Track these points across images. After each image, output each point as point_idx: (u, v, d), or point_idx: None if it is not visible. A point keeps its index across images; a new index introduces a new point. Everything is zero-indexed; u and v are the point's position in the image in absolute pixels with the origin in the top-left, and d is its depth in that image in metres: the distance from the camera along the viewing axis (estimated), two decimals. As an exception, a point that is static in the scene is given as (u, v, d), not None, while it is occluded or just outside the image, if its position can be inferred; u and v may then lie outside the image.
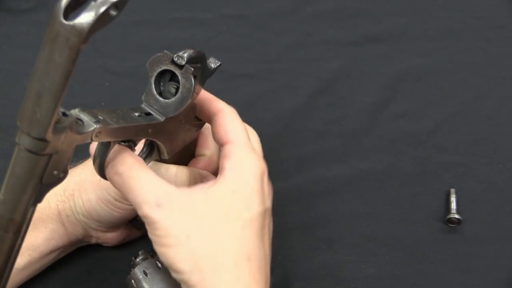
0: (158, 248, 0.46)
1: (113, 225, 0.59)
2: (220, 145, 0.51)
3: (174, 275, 0.46)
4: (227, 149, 0.49)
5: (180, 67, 0.48)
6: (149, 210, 0.45)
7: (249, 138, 0.50)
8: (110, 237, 0.61)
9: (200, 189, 0.47)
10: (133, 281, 0.53)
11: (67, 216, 0.57)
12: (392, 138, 0.73)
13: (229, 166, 0.48)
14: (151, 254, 0.54)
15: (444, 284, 0.62)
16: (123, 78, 0.78)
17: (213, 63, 0.51)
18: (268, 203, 0.49)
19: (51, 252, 0.57)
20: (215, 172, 0.56)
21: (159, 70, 0.49)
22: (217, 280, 0.44)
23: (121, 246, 0.62)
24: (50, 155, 0.38)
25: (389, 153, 0.72)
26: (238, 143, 0.49)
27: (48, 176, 0.39)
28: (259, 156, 0.50)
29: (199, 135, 0.56)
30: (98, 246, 0.62)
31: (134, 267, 0.54)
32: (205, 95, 0.52)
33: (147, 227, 0.46)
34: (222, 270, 0.44)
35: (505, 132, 0.74)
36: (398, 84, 0.79)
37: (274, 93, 0.77)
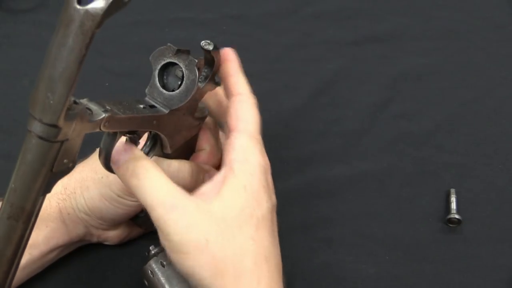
0: (174, 255, 0.44)
1: (115, 223, 0.59)
2: (228, 130, 0.50)
3: (193, 282, 0.44)
4: (234, 137, 0.48)
5: (186, 53, 0.48)
6: (164, 212, 0.43)
7: (259, 131, 0.49)
8: (112, 235, 0.61)
9: (211, 188, 0.46)
10: (149, 271, 0.52)
11: (68, 214, 0.57)
12: (392, 138, 0.73)
13: (236, 157, 0.47)
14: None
15: (444, 284, 0.62)
16: (123, 78, 0.78)
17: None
18: (274, 198, 0.48)
19: (51, 250, 0.57)
20: (216, 165, 0.56)
21: (162, 62, 0.49)
22: (240, 283, 0.43)
23: (122, 245, 0.62)
24: (62, 143, 0.38)
25: (389, 153, 0.72)
26: (246, 134, 0.48)
27: (59, 164, 0.39)
28: (263, 151, 0.49)
29: (199, 131, 0.56)
30: (98, 246, 0.62)
31: (150, 258, 0.53)
32: (232, 71, 0.51)
33: (159, 233, 0.44)
34: (243, 273, 0.43)
35: (505, 132, 0.74)
36: (398, 84, 0.79)
37: (274, 93, 0.77)
